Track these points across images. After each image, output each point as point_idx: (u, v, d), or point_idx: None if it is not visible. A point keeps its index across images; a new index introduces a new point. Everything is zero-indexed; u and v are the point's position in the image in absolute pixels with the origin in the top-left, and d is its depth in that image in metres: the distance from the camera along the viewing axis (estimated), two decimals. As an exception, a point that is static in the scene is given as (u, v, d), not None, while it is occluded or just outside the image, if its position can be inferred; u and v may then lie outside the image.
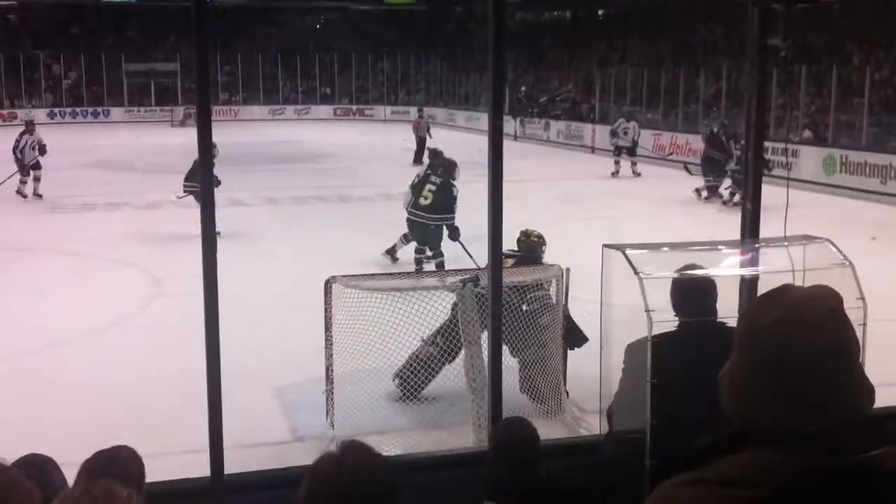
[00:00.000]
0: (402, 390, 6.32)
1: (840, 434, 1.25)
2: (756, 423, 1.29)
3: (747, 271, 4.23)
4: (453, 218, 10.78)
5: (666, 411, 3.53)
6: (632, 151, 22.66)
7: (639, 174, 22.25)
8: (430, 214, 10.77)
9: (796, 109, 23.36)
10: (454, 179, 11.02)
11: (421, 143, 24.91)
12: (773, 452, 1.25)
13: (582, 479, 3.51)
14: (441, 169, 11.25)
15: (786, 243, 3.99)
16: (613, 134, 23.00)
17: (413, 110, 47.50)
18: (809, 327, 1.27)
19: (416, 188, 11.00)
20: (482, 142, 4.35)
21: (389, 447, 5.35)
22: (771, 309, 1.30)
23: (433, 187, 10.85)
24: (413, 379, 6.27)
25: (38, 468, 2.99)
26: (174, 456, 4.91)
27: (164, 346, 8.03)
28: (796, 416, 1.26)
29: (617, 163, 22.31)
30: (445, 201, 10.75)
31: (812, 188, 18.15)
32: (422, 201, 10.81)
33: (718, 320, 3.71)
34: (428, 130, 25.68)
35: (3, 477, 1.13)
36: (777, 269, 3.82)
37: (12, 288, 10.51)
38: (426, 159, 24.39)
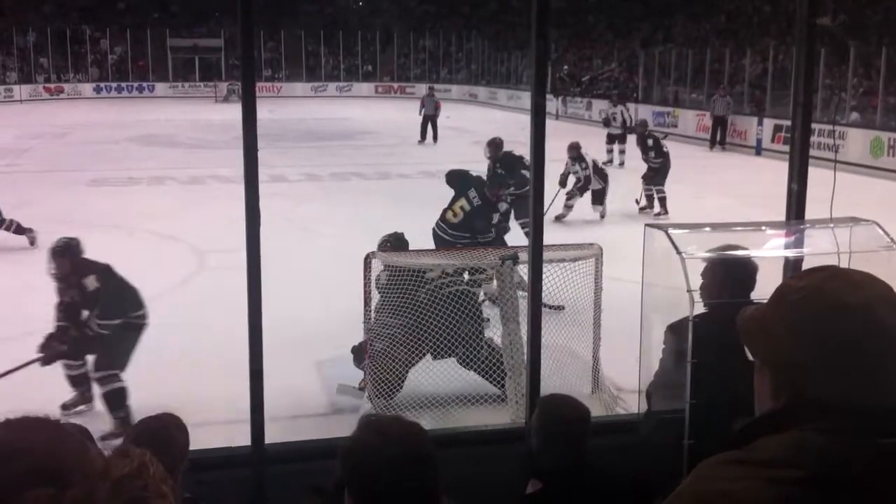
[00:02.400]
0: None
1: (890, 415, 1.26)
2: (820, 399, 1.28)
3: (791, 253, 4.19)
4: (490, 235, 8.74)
5: (705, 391, 3.51)
6: (622, 138, 20.40)
7: (622, 164, 20.05)
8: (456, 233, 8.64)
9: (844, 91, 22.97)
10: (502, 198, 8.83)
11: (425, 120, 24.99)
12: (817, 433, 1.25)
13: (619, 457, 3.51)
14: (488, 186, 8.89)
15: (831, 225, 3.93)
16: (606, 123, 21.20)
17: (454, 88, 47.59)
18: (893, 307, 1.31)
19: (456, 196, 8.81)
20: (524, 120, 4.34)
21: (426, 421, 5.38)
22: (856, 289, 1.32)
23: (467, 206, 8.66)
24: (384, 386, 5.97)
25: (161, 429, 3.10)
26: (216, 426, 4.98)
27: (206, 320, 8.13)
28: (867, 392, 1.27)
29: (609, 151, 20.54)
30: (476, 224, 8.67)
31: (859, 171, 17.85)
32: (449, 216, 8.68)
33: (758, 301, 3.67)
34: (436, 109, 25.28)
35: (54, 431, 1.16)
36: (822, 251, 3.77)
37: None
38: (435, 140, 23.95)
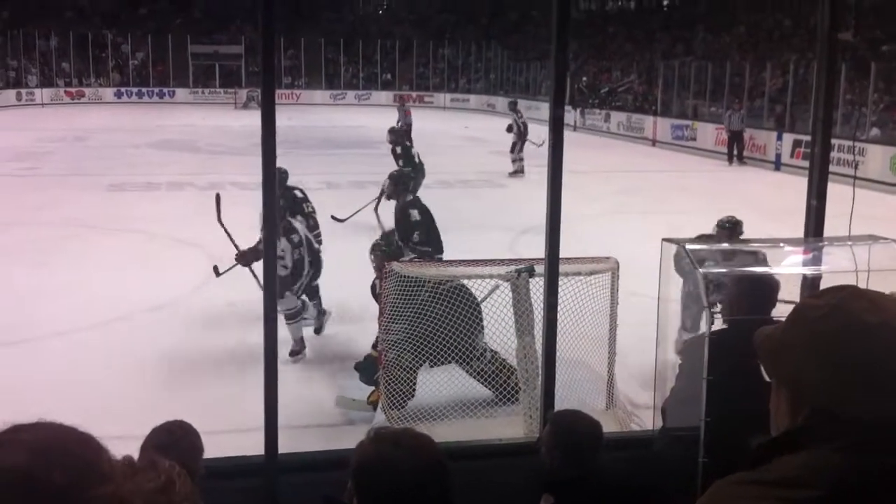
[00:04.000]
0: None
1: None
2: (838, 418, 1.27)
3: (809, 270, 4.16)
4: None
5: (721, 408, 3.49)
6: (513, 147, 20.49)
7: (516, 172, 20.23)
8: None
9: (864, 106, 22.84)
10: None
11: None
12: (833, 452, 1.24)
13: (633, 473, 3.49)
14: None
15: (850, 242, 3.90)
16: (509, 129, 20.89)
17: (472, 98, 47.66)
18: None
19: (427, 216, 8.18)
20: (542, 131, 4.33)
21: (438, 434, 5.36)
22: (875, 309, 1.31)
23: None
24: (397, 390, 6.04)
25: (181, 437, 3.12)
26: (229, 434, 4.99)
27: (221, 326, 8.15)
28: (886, 412, 1.27)
29: (514, 161, 20.50)
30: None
31: (878, 187, 17.74)
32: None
33: (777, 318, 3.64)
34: (405, 117, 25.18)
35: (78, 432, 1.16)
36: (841, 268, 3.74)
37: (75, 264, 10.74)
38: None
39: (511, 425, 5.64)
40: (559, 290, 4.32)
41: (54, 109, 39.94)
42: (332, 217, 12.88)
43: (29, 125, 30.86)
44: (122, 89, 46.66)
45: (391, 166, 20.63)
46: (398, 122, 25.47)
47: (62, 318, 8.49)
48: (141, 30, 47.88)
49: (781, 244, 4.46)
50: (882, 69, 23.07)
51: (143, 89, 47.05)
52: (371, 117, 37.42)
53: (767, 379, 1.45)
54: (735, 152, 23.86)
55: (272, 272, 3.76)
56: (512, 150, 20.60)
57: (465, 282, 6.37)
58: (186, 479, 1.51)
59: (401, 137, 14.80)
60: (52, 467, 1.06)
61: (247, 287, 7.60)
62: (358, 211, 13.07)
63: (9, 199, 15.42)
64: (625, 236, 11.45)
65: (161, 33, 47.02)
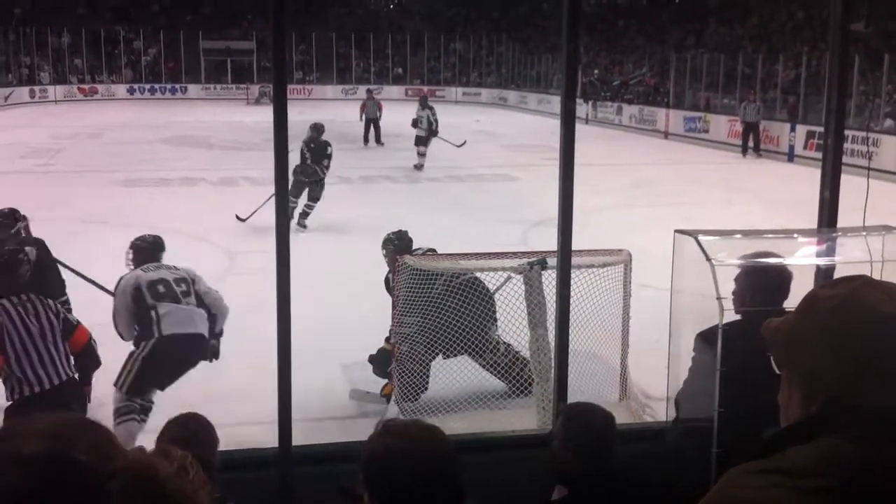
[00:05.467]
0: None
1: None
2: (853, 408, 1.28)
3: (823, 261, 4.14)
4: None
5: (734, 400, 3.48)
6: (424, 141, 20.35)
7: (420, 166, 20.09)
8: None
9: (878, 97, 22.70)
10: None
11: (367, 123, 25.09)
12: (847, 442, 1.24)
13: (646, 465, 3.49)
14: None
15: (864, 233, 3.89)
16: (414, 124, 20.77)
17: (484, 91, 47.61)
18: None
19: None
20: (554, 125, 4.33)
21: (451, 426, 5.38)
22: (888, 298, 1.32)
23: None
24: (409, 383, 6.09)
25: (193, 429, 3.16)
26: (244, 427, 5.02)
27: (235, 321, 8.15)
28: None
29: (421, 155, 20.31)
30: None
31: (892, 178, 17.64)
32: None
33: (789, 309, 3.62)
34: (378, 111, 25.24)
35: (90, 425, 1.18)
36: (854, 259, 3.73)
37: (87, 260, 10.75)
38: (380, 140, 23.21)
39: (524, 417, 5.66)
40: (572, 282, 4.33)
41: (67, 106, 40.09)
42: (237, 217, 12.87)
43: (42, 122, 31.00)
44: (135, 86, 46.86)
45: (403, 160, 20.60)
46: (361, 115, 25.46)
47: (76, 312, 8.53)
48: (153, 26, 48.05)
49: (795, 235, 4.44)
50: (895, 61, 22.92)
51: (156, 85, 47.23)
52: (383, 112, 37.42)
53: (777, 371, 1.45)
54: (751, 144, 23.75)
55: (285, 268, 3.78)
56: (417, 144, 20.40)
57: (479, 275, 6.38)
58: (199, 469, 1.53)
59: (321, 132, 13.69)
60: (71, 448, 1.07)
61: (259, 280, 7.62)
62: (258, 208, 12.64)
63: (23, 196, 15.43)
64: (637, 228, 11.44)
65: (173, 29, 47.16)
